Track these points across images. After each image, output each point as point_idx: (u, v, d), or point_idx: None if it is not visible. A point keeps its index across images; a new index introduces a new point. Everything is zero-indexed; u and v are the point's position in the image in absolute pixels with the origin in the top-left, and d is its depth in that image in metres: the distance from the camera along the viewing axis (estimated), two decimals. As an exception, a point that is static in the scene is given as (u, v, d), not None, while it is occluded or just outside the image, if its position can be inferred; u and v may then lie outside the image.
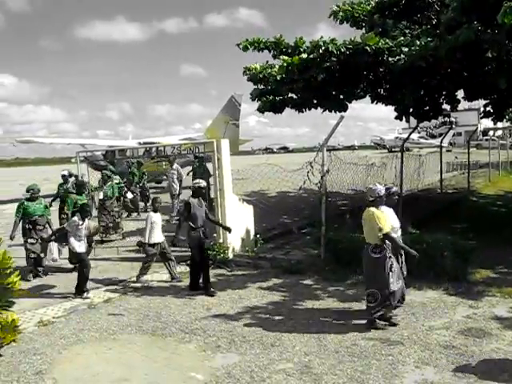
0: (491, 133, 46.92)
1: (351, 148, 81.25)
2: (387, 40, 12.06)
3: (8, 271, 3.79)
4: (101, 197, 15.99)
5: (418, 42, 11.65)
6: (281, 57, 13.25)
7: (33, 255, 11.64)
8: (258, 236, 13.15)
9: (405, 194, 16.41)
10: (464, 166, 28.58)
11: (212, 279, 10.99)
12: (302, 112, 15.07)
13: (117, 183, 17.18)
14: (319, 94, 13.60)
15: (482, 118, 17.92)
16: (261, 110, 15.67)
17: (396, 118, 15.12)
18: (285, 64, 12.73)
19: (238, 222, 12.58)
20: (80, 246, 10.24)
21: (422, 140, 62.37)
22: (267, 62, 14.24)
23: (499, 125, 41.80)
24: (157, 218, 11.07)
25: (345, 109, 14.30)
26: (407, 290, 9.09)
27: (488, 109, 15.83)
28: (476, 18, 10.77)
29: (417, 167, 19.63)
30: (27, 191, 11.99)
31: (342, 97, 14.14)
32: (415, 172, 19.35)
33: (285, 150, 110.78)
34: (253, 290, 10.21)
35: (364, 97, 14.48)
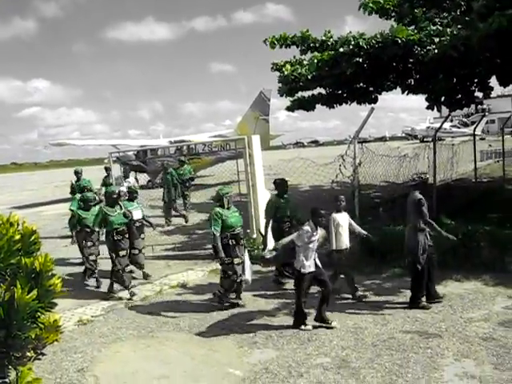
0: (526, 118, 45.97)
1: (382, 139, 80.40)
2: (417, 31, 11.93)
3: (50, 273, 3.89)
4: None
5: (449, 31, 11.50)
6: (309, 54, 13.22)
7: (236, 278, 9.03)
8: (292, 231, 13.10)
9: (438, 184, 16.21)
10: (499, 154, 28.12)
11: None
12: (333, 107, 15.00)
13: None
14: (349, 88, 13.53)
15: (516, 103, 17.59)
16: (290, 108, 15.64)
17: (427, 107, 14.94)
18: (315, 60, 12.68)
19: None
20: (310, 266, 7.92)
21: (454, 129, 61.32)
22: (294, 57, 14.22)
23: (534, 109, 40.91)
24: (342, 220, 9.03)
25: (375, 101, 14.21)
26: (444, 282, 9.01)
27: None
28: (510, 3, 10.57)
29: (450, 157, 19.37)
30: (217, 200, 9.19)
31: (371, 89, 14.04)
32: (448, 162, 19.09)
33: (315, 143, 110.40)
34: (288, 284, 10.20)
35: (394, 88, 14.32)
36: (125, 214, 10.43)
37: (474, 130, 23.24)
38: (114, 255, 10.08)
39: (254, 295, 9.72)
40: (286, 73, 13.77)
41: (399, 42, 11.66)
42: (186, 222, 18.06)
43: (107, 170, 17.26)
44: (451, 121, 63.29)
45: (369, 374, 6.32)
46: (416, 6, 14.28)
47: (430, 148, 16.12)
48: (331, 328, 7.80)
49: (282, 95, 15.61)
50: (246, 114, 32.82)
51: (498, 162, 27.71)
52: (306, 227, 7.95)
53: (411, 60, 12.34)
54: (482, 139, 37.58)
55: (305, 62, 13.57)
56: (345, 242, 8.99)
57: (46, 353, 4.83)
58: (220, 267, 9.25)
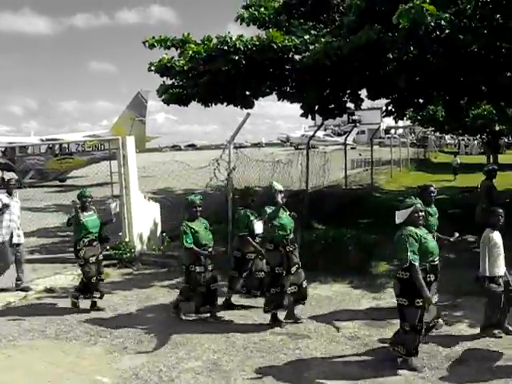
0: (393, 131, 48.82)
1: (258, 145, 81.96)
2: (293, 37, 12.24)
3: None
4: None
5: (323, 40, 11.89)
6: (187, 45, 13.18)
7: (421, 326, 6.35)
8: (164, 234, 12.97)
9: (311, 190, 16.70)
10: (367, 163, 29.56)
11: (118, 279, 10.79)
12: (208, 106, 15.02)
13: None
14: (225, 89, 13.60)
15: (384, 116, 18.53)
16: (166, 101, 15.41)
17: (302, 115, 15.36)
18: (190, 52, 12.63)
19: (144, 220, 12.43)
20: None
21: (327, 138, 63.77)
22: (173, 57, 14.11)
23: (400, 123, 43.51)
24: (499, 239, 7.21)
25: (251, 105, 14.39)
26: (314, 284, 9.25)
27: (390, 108, 16.42)
28: (373, 21, 11.17)
29: (322, 164, 20.03)
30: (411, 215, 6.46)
31: (248, 93, 14.22)
32: (321, 169, 19.73)
33: (192, 147, 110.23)
34: (160, 288, 10.07)
35: (270, 94, 14.61)
36: (294, 215, 8.18)
37: (345, 140, 24.30)
38: (283, 272, 7.80)
39: (125, 299, 9.50)
40: (161, 62, 13.61)
41: (275, 46, 11.92)
42: None
43: None
44: (325, 130, 65.72)
45: (239, 377, 6.34)
46: (294, 17, 14.68)
47: (304, 155, 16.58)
48: None
49: (160, 96, 15.39)
50: (122, 115, 32.26)
51: (366, 170, 29.10)
52: None
53: (287, 67, 12.65)
54: (353, 148, 39.41)
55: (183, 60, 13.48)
56: (501, 266, 7.20)
57: None
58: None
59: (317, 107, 14.84)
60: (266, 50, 12.02)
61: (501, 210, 7.31)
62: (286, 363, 6.67)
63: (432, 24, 9.79)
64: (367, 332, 7.58)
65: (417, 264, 6.07)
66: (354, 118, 66.75)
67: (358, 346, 7.10)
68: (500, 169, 13.50)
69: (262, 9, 15.08)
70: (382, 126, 45.45)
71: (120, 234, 12.07)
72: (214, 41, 13.06)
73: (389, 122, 47.44)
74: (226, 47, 12.11)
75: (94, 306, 8.97)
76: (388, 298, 8.95)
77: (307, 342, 7.30)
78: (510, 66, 11.93)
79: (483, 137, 49.04)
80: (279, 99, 14.74)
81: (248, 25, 15.00)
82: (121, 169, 12.19)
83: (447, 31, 10.10)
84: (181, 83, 14.33)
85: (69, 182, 30.38)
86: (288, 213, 8.06)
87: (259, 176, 14.65)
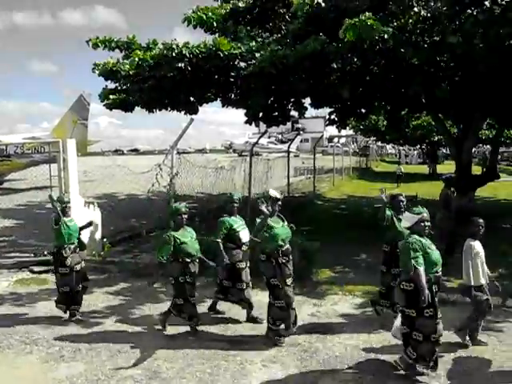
0: (336, 140, 49.49)
1: (202, 151, 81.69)
2: (239, 44, 12.25)
3: None
4: None
5: (269, 49, 11.96)
6: (133, 52, 13.00)
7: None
8: (105, 240, 12.74)
9: (253, 197, 16.73)
10: (310, 171, 29.88)
11: (55, 286, 10.52)
12: (153, 112, 14.85)
13: None
14: (170, 95, 13.48)
15: (327, 125, 18.75)
16: (109, 106, 15.14)
17: (246, 122, 15.38)
18: (136, 59, 12.48)
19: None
20: None
21: (271, 145, 64.14)
22: (118, 60, 13.89)
23: (343, 132, 44.12)
24: (481, 248, 7.38)
25: (195, 111, 14.31)
26: (255, 291, 9.25)
27: (333, 117, 16.66)
28: (319, 30, 11.32)
29: (265, 171, 20.12)
30: None
31: (192, 99, 14.14)
32: (264, 176, 19.82)
33: (136, 151, 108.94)
34: (99, 295, 9.87)
35: (215, 100, 14.57)
36: (292, 227, 8.02)
37: (289, 147, 24.47)
38: (280, 284, 7.45)
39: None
40: (106, 66, 13.35)
41: (221, 55, 11.90)
42: None
43: None
44: (269, 137, 66.05)
45: (179, 384, 6.29)
46: (241, 24, 14.70)
47: (247, 162, 16.62)
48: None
49: (102, 101, 15.13)
50: (63, 117, 31.50)
51: (309, 178, 29.43)
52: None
53: (232, 73, 12.64)
54: (296, 156, 39.77)
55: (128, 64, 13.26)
56: (484, 276, 7.35)
57: None
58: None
59: (261, 114, 14.88)
60: (212, 57, 11.96)
61: (481, 220, 7.39)
62: (226, 370, 6.65)
63: (376, 37, 10.01)
64: (307, 338, 7.63)
65: (421, 268, 6.07)
66: (297, 126, 66.99)
67: (299, 353, 7.15)
68: (438, 179, 13.94)
69: (210, 13, 15.04)
70: (325, 135, 45.94)
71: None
72: (160, 46, 12.95)
73: (332, 130, 47.98)
74: (171, 54, 12.01)
75: (73, 317, 8.50)
76: (328, 305, 9.09)
77: (248, 348, 7.30)
78: (448, 79, 12.35)
79: (423, 147, 50.51)
80: (223, 106, 14.71)
81: (195, 27, 14.87)
82: (61, 172, 11.93)
83: (390, 44, 10.35)
84: (124, 87, 14.12)
85: (6, 184, 29.55)
86: (285, 223, 7.86)
87: (202, 182, 14.61)
